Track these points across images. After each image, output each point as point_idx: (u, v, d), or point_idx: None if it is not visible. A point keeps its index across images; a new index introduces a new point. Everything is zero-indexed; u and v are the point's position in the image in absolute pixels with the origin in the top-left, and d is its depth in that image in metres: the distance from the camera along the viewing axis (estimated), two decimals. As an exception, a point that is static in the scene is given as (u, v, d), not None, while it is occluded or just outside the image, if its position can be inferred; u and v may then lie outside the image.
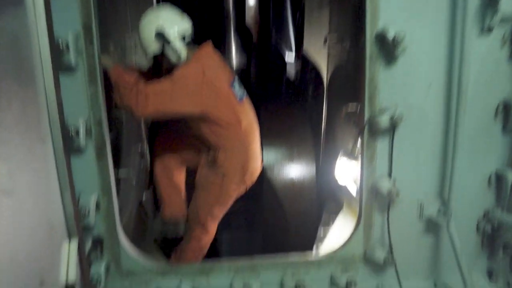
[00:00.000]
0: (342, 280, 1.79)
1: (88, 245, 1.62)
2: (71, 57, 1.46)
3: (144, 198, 2.97)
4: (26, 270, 1.09)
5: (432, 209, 1.82)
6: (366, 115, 1.75)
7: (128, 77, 1.92)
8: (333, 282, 1.83)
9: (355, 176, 2.45)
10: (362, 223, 1.85)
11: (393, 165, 1.77)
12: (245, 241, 3.72)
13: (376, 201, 1.82)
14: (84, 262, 1.48)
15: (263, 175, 3.52)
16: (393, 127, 1.70)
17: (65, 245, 1.38)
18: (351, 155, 2.41)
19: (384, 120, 1.69)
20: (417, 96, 1.72)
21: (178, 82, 1.94)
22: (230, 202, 2.38)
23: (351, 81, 2.66)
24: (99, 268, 1.65)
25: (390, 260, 1.76)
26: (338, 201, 2.90)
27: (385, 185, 1.75)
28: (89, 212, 1.55)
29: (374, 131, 1.75)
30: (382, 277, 1.87)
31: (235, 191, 2.35)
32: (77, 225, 1.43)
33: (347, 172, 2.45)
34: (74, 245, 1.40)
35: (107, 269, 1.70)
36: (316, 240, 2.64)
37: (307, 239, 3.27)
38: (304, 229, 3.37)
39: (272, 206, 3.59)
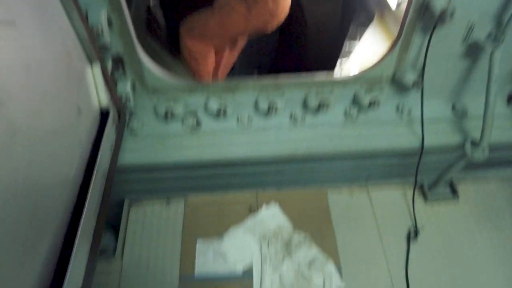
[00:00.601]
0: (365, 100, 1.82)
1: (110, 65, 1.54)
2: None
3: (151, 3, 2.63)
4: (63, 102, 1.06)
5: (482, 32, 1.62)
6: None
7: None
8: (355, 101, 1.87)
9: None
10: (400, 43, 1.69)
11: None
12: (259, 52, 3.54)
13: (422, 20, 1.60)
14: (111, 83, 1.45)
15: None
16: None
17: (88, 70, 1.30)
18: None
19: None
20: None
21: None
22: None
23: None
24: (125, 87, 1.64)
25: (419, 84, 1.73)
26: (369, 11, 2.58)
27: (440, 1, 1.48)
28: (102, 30, 1.38)
29: None
30: (404, 98, 1.90)
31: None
32: (94, 47, 1.30)
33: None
34: (97, 68, 1.32)
35: (133, 87, 1.70)
36: (341, 54, 2.52)
37: (329, 50, 3.14)
38: (326, 39, 3.16)
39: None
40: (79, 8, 1.15)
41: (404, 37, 1.67)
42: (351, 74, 1.85)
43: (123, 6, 1.43)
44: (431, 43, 1.63)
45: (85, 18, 1.26)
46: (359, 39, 2.51)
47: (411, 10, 1.58)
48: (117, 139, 1.50)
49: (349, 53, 2.50)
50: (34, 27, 0.93)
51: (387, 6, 2.39)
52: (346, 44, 2.52)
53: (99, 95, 1.35)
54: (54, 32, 1.04)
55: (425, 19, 1.59)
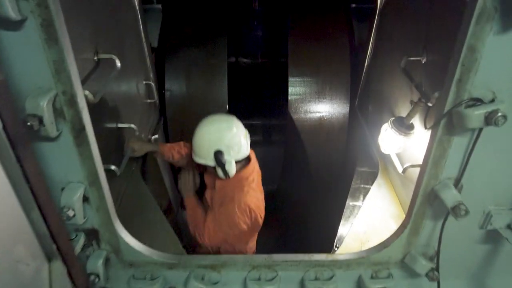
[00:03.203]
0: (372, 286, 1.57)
1: (81, 243, 1.37)
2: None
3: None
4: None
5: (501, 221, 1.45)
6: (449, 103, 1.22)
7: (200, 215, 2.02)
8: (360, 287, 1.61)
9: (405, 149, 2.01)
10: (409, 227, 1.51)
11: (466, 170, 1.33)
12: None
13: (432, 208, 1.45)
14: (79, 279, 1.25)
15: (286, 110, 3.10)
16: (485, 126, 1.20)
17: (45, 270, 1.12)
18: (402, 122, 1.91)
19: (475, 116, 1.17)
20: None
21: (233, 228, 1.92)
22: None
23: (420, 17, 1.95)
24: (96, 263, 1.44)
25: (434, 276, 1.49)
26: (372, 160, 2.52)
27: (450, 196, 1.34)
28: (74, 214, 1.25)
29: (454, 127, 1.25)
30: (416, 282, 1.64)
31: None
32: (61, 239, 1.14)
33: (393, 142, 1.99)
34: (58, 266, 1.14)
35: (107, 261, 1.50)
36: (345, 212, 2.37)
37: (331, 194, 3.05)
38: (328, 182, 3.11)
39: (293, 150, 3.27)
40: (51, 203, 1.02)
41: (413, 222, 1.50)
42: (354, 252, 1.64)
43: (101, 179, 1.33)
44: (445, 228, 1.45)
45: (54, 207, 1.13)
46: (363, 198, 2.38)
47: (419, 196, 1.44)
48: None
49: (352, 209, 2.35)
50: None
51: (392, 164, 2.32)
52: (349, 203, 2.39)
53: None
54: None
55: (435, 207, 1.44)
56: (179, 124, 3.13)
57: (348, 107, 3.04)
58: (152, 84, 2.78)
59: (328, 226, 2.76)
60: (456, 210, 1.33)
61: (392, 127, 1.93)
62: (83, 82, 1.61)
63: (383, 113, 2.49)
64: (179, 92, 3.07)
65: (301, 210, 3.38)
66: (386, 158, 2.42)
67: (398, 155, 2.06)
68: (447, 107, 1.23)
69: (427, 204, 1.45)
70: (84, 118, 1.19)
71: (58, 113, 1.14)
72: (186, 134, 3.23)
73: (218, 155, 1.82)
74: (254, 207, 1.89)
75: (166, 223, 2.30)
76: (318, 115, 3.05)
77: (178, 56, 3.11)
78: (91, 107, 1.30)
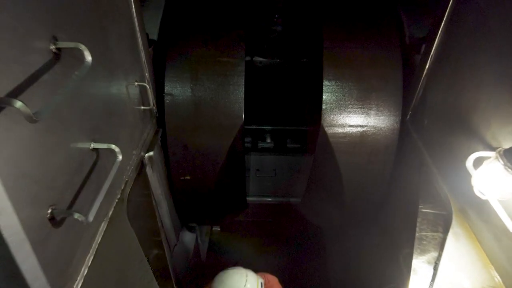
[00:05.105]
0: None
1: None
2: None
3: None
4: None
5: None
6: None
7: None
8: None
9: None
10: None
11: None
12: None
13: None
14: None
15: (316, 124, 2.44)
16: None
17: None
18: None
19: None
20: None
21: None
22: None
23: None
24: None
25: None
26: (437, 197, 1.86)
27: None
28: None
29: None
30: None
31: None
32: None
33: (502, 183, 1.33)
34: None
35: None
36: (412, 275, 1.70)
37: (372, 236, 2.39)
38: (367, 219, 2.45)
39: (322, 171, 2.60)
40: None
41: None
42: None
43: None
44: None
45: None
46: (437, 256, 1.71)
47: None
48: None
49: (424, 269, 1.68)
50: None
51: (476, 208, 1.65)
52: (418, 260, 1.71)
53: None
54: None
55: None
56: (182, 138, 2.48)
57: (399, 122, 2.37)
58: (148, 86, 2.13)
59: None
60: None
61: (504, 163, 1.27)
62: (21, 87, 0.98)
63: (457, 135, 1.83)
64: (183, 97, 2.42)
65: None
66: (462, 197, 1.76)
67: (502, 203, 1.40)
68: None
69: None
70: None
71: None
72: (190, 151, 2.63)
73: None
74: None
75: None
76: (359, 129, 2.38)
77: (182, 51, 2.46)
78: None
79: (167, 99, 2.41)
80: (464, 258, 1.63)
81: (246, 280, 2.00)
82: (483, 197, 1.41)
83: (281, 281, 2.26)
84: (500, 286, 1.49)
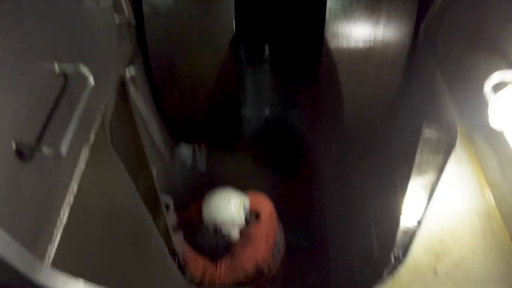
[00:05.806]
0: None
1: None
2: None
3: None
4: None
5: None
6: None
7: (194, 269, 2.05)
8: None
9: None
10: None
11: None
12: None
13: None
14: None
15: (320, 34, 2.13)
16: None
17: None
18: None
19: None
20: None
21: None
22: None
23: None
24: None
25: None
26: (443, 120, 1.71)
27: None
28: None
29: None
30: None
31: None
32: None
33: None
34: None
35: None
36: (407, 197, 1.66)
37: (372, 160, 2.29)
38: (368, 142, 2.29)
39: (328, 90, 2.39)
40: None
41: None
42: None
43: None
44: None
45: None
46: (435, 178, 1.62)
47: None
48: None
49: (420, 194, 1.63)
50: None
51: (484, 135, 1.53)
52: (414, 183, 1.63)
53: None
54: None
55: None
56: (166, 53, 2.20)
57: (411, 32, 2.07)
58: (121, -8, 1.79)
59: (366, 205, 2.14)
60: None
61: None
62: None
63: (477, 53, 1.60)
64: (165, 7, 2.07)
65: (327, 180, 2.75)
66: (471, 122, 1.63)
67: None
68: None
69: None
70: None
71: None
72: (176, 66, 2.34)
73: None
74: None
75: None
76: (366, 41, 2.10)
77: None
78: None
79: (145, 9, 2.06)
80: (463, 182, 1.59)
81: (229, 201, 2.06)
82: (499, 129, 1.28)
83: (274, 201, 2.27)
84: (492, 211, 1.48)
